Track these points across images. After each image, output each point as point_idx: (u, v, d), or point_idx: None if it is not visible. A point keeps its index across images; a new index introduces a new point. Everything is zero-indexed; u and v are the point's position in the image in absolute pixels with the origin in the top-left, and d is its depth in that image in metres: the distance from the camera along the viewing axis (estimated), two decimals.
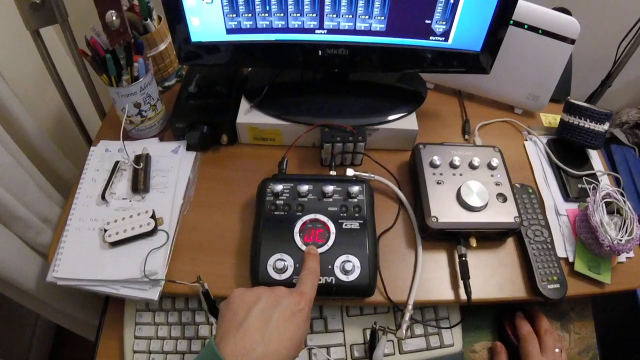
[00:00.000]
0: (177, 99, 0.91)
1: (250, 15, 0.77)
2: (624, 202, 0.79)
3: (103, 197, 0.81)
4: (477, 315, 0.84)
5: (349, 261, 0.70)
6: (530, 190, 0.86)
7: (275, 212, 0.74)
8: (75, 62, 0.94)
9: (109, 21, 0.80)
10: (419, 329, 0.80)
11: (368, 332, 0.78)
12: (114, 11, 0.79)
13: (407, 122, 0.87)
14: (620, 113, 1.55)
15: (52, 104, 0.97)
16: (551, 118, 1.01)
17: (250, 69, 0.97)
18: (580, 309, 0.86)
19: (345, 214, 0.74)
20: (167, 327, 0.79)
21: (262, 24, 0.78)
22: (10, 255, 0.84)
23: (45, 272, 0.88)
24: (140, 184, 0.81)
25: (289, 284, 0.68)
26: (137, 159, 0.84)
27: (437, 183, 0.80)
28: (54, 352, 1.57)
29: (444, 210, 0.77)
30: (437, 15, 0.76)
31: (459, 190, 0.79)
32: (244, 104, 0.89)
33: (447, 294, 0.76)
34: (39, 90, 0.94)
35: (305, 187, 0.75)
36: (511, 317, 0.82)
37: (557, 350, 0.76)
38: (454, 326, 0.79)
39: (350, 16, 0.76)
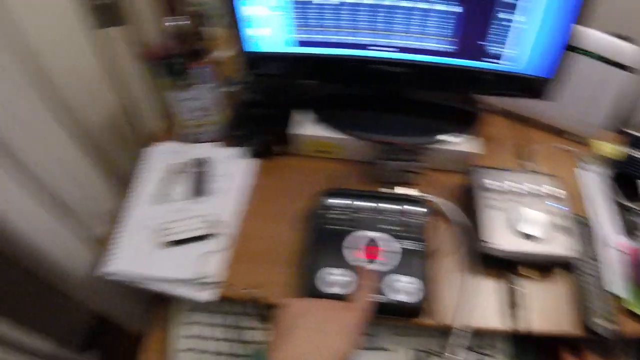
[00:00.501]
0: (237, 107, 0.92)
1: (320, 29, 0.78)
2: None
3: (161, 197, 0.82)
4: (520, 345, 0.82)
5: (400, 281, 0.70)
6: (584, 222, 0.84)
7: (330, 226, 0.75)
8: (138, 64, 0.96)
9: (177, 26, 0.82)
10: (463, 354, 0.79)
11: (413, 352, 0.78)
12: (178, 16, 0.82)
13: (464, 144, 0.86)
14: None
15: (115, 103, 1.00)
16: (608, 147, 0.99)
17: (311, 81, 0.98)
18: (627, 347, 0.83)
19: (399, 233, 0.74)
20: (215, 329, 0.81)
21: (331, 38, 0.79)
22: (64, 246, 0.87)
23: (96, 265, 0.91)
24: (200, 187, 0.83)
25: (339, 298, 0.68)
26: (198, 162, 0.86)
27: (492, 208, 0.79)
28: (95, 338, 1.61)
29: (498, 236, 0.76)
30: (500, 39, 0.75)
31: (513, 216, 0.77)
32: (305, 116, 0.90)
33: (495, 322, 0.74)
34: (103, 89, 0.96)
35: (361, 203, 0.75)
36: (555, 352, 0.81)
37: None
38: (502, 356, 0.78)
39: (416, 35, 0.76)
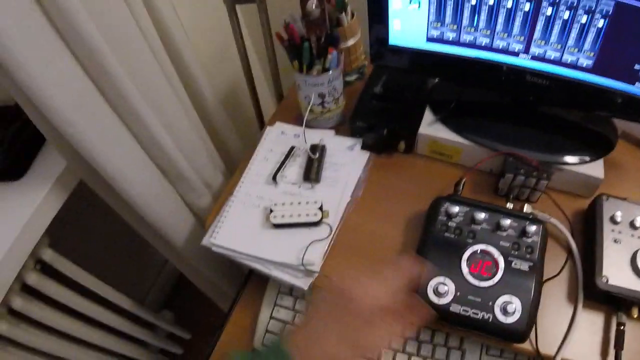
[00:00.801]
0: (360, 97, 0.92)
1: (455, 27, 0.76)
2: None
3: (274, 178, 0.83)
4: None
5: (511, 302, 0.67)
6: None
7: (446, 234, 0.73)
8: (264, 42, 0.97)
9: (310, 10, 0.82)
10: None
11: None
12: (315, 1, 0.81)
13: (593, 168, 0.82)
14: None
15: (233, 77, 1.02)
16: None
17: (436, 80, 0.96)
18: None
19: (516, 252, 0.71)
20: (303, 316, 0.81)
21: (465, 38, 0.77)
22: (170, 211, 0.89)
23: (197, 234, 0.94)
24: (312, 173, 0.83)
25: (445, 310, 0.67)
26: (313, 148, 0.86)
27: (614, 241, 0.75)
28: (171, 299, 1.67)
29: (615, 272, 0.72)
30: None
31: (635, 254, 0.73)
32: (428, 115, 0.88)
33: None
34: (223, 61, 0.99)
35: (481, 215, 0.73)
36: None
37: None
38: None
39: (559, 46, 0.73)
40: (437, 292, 0.68)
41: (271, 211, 0.78)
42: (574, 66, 0.75)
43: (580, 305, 0.74)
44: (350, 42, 0.96)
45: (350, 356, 0.54)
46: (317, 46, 0.83)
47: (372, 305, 0.57)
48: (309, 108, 0.87)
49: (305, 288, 0.74)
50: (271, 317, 0.82)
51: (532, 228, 0.72)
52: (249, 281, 0.89)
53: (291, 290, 0.83)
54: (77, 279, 0.90)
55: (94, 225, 1.10)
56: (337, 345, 0.54)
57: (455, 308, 0.67)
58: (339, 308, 0.57)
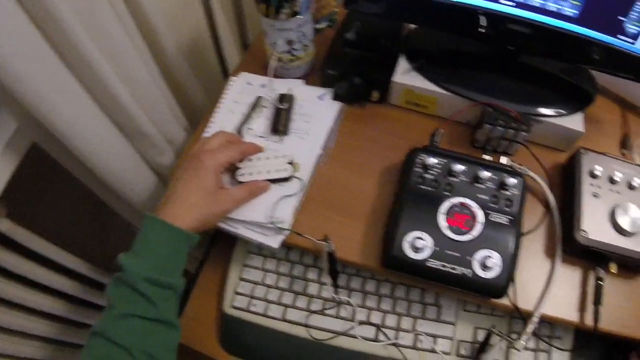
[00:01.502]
0: (332, 44, 0.86)
1: None
2: None
3: (239, 131, 0.78)
4: (589, 343, 0.77)
5: (490, 257, 0.65)
6: None
7: (422, 186, 0.69)
8: None
9: None
10: (530, 343, 0.74)
11: (480, 331, 0.74)
12: None
13: (573, 122, 0.79)
14: None
15: (195, 25, 0.95)
16: None
17: (413, 27, 0.91)
18: None
19: (495, 205, 0.68)
20: (276, 276, 0.78)
21: None
22: (129, 169, 0.84)
23: (159, 194, 0.88)
24: (280, 124, 0.78)
25: (422, 265, 0.65)
26: (281, 98, 0.80)
27: (593, 196, 0.73)
28: None
29: (594, 227, 0.70)
30: (632, 15, 0.68)
31: (614, 208, 0.71)
32: (403, 63, 0.83)
33: (573, 315, 0.70)
34: (184, 8, 0.91)
35: (459, 167, 0.69)
36: (620, 354, 0.76)
37: None
38: (568, 349, 0.74)
39: None
40: (414, 248, 0.65)
41: (237, 168, 0.73)
42: (558, 15, 0.72)
43: (558, 260, 0.73)
44: None
45: None
46: None
47: None
48: (278, 56, 0.81)
49: (276, 246, 0.70)
50: (240, 279, 0.78)
51: (512, 180, 0.70)
52: (215, 241, 0.85)
53: (260, 250, 0.79)
54: (36, 248, 0.84)
55: (52, 190, 1.03)
56: None
57: (433, 263, 0.65)
58: None
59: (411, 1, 0.76)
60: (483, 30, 0.75)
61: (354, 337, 0.72)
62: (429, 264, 0.65)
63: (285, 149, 0.76)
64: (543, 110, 0.79)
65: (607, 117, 0.90)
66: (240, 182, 0.72)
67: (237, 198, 0.68)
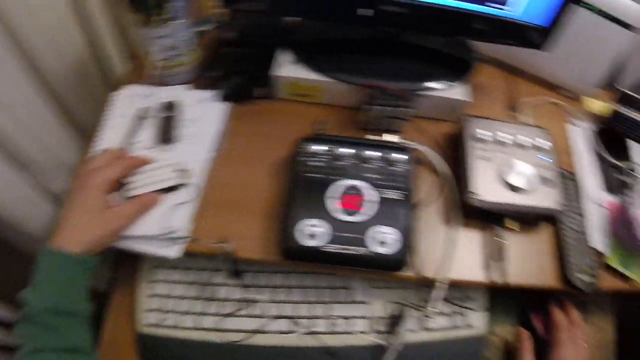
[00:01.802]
0: (213, 46, 0.86)
1: None
2: None
3: (126, 145, 0.76)
4: (502, 299, 0.81)
5: (385, 232, 0.66)
6: (571, 177, 0.82)
7: (312, 174, 0.70)
8: None
9: None
10: (444, 308, 0.77)
11: (392, 305, 0.76)
12: None
13: (456, 92, 0.82)
14: None
15: (76, 41, 0.92)
16: (598, 105, 0.97)
17: (293, 19, 0.92)
18: (600, 302, 0.84)
19: (385, 182, 0.70)
20: (184, 286, 0.77)
21: None
22: (20, 198, 0.80)
23: (55, 220, 0.85)
24: (167, 133, 0.76)
25: (320, 251, 0.66)
26: (165, 106, 0.79)
27: (481, 159, 0.76)
28: None
29: (486, 188, 0.73)
30: None
31: (502, 168, 0.75)
32: (285, 57, 0.84)
33: (479, 275, 0.73)
34: (63, 26, 0.88)
35: (345, 150, 0.71)
36: (536, 305, 0.80)
37: (585, 345, 0.74)
38: (481, 309, 0.77)
39: None
40: (310, 235, 0.66)
41: (126, 184, 0.71)
42: None
43: (457, 225, 0.75)
44: None
45: None
46: None
47: None
48: (159, 64, 0.80)
49: (176, 256, 0.69)
50: (149, 295, 0.77)
51: (400, 157, 0.72)
52: (121, 259, 0.82)
53: (165, 262, 0.77)
54: None
55: None
56: None
57: (331, 247, 0.66)
58: None
59: None
60: (359, 16, 0.76)
61: (269, 332, 0.73)
62: (327, 249, 0.65)
63: (175, 157, 0.74)
64: (427, 85, 0.81)
65: (493, 84, 0.95)
66: (128, 197, 0.70)
67: (127, 214, 0.67)
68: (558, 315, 0.77)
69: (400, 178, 0.71)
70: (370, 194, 0.69)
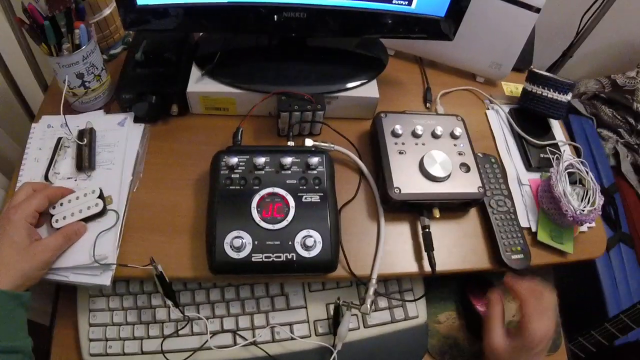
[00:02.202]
0: (123, 68, 0.84)
1: None
2: (587, 172, 0.80)
3: (47, 178, 0.75)
4: (440, 286, 0.83)
5: (310, 236, 0.67)
6: (493, 160, 0.85)
7: (231, 187, 0.70)
8: (13, 31, 0.87)
9: None
10: (383, 302, 0.78)
11: (331, 307, 0.76)
12: None
13: (368, 90, 0.84)
14: (579, 84, 1.56)
15: None
16: (513, 87, 1.00)
17: (201, 34, 0.92)
18: (543, 277, 0.85)
19: (304, 187, 0.71)
20: (123, 312, 0.75)
21: None
22: None
23: None
24: (85, 161, 0.75)
25: (248, 262, 0.66)
26: (81, 134, 0.78)
27: (400, 153, 0.78)
28: None
29: (407, 181, 0.75)
30: None
31: (421, 160, 0.77)
32: (195, 72, 0.84)
33: (411, 266, 0.74)
34: None
35: (261, 159, 0.71)
36: (474, 288, 0.82)
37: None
38: (418, 299, 0.79)
39: None
40: (234, 247, 0.66)
41: (52, 216, 0.70)
42: None
43: (382, 220, 0.77)
44: (107, 12, 0.88)
45: None
46: (66, 23, 0.75)
47: None
48: (67, 91, 0.79)
49: (108, 284, 0.68)
50: (90, 324, 0.75)
51: (315, 160, 0.72)
52: (60, 292, 0.81)
53: (101, 291, 0.77)
54: None
55: None
56: None
57: (257, 257, 0.66)
58: None
59: (188, 12, 0.76)
60: (261, 25, 0.77)
61: (211, 348, 0.72)
62: (253, 259, 0.66)
63: (95, 184, 0.73)
64: (338, 86, 0.83)
65: (408, 78, 0.97)
66: (58, 229, 0.70)
67: (52, 246, 0.66)
68: (520, 284, 0.71)
69: (319, 180, 0.72)
70: (292, 200, 0.69)
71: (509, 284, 0.71)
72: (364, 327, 0.77)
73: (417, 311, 0.79)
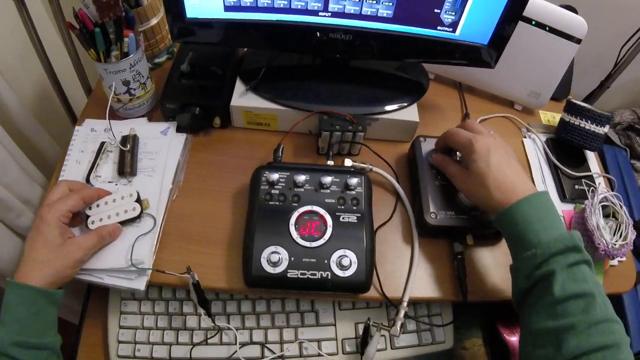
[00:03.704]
0: (168, 78, 0.86)
1: None
2: (620, 206, 0.79)
3: (87, 180, 0.77)
4: (468, 312, 0.82)
5: (345, 256, 0.67)
6: None
7: (270, 202, 0.71)
8: (61, 35, 0.89)
9: None
10: (411, 325, 0.78)
11: (360, 326, 0.76)
12: None
13: (408, 113, 0.84)
14: (614, 114, 1.55)
15: (36, 79, 0.92)
16: (550, 116, 1.00)
17: (246, 49, 0.93)
18: None
19: (342, 207, 0.71)
20: (154, 317, 0.76)
21: (263, 2, 0.74)
22: None
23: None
24: (127, 166, 0.77)
25: (283, 278, 0.66)
26: (124, 140, 0.80)
27: (437, 178, 0.78)
28: None
29: (443, 207, 0.75)
30: (446, 5, 0.73)
31: None
32: (239, 86, 0.85)
33: (442, 292, 0.74)
34: (22, 64, 0.89)
35: (302, 177, 0.72)
36: (502, 316, 0.81)
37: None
38: (446, 324, 0.78)
39: (357, 0, 0.73)
40: (271, 262, 0.66)
41: (88, 217, 0.71)
42: (374, 18, 0.76)
43: (417, 244, 0.77)
44: (154, 21, 0.90)
45: None
46: (115, 30, 0.77)
47: None
48: (113, 98, 0.81)
49: (142, 288, 0.69)
50: (120, 327, 0.76)
51: (354, 180, 0.73)
52: (91, 292, 0.82)
53: (133, 294, 0.78)
54: None
55: None
56: None
57: (293, 274, 0.67)
58: None
59: (236, 28, 0.78)
60: (308, 45, 0.78)
61: (239, 359, 0.73)
62: (289, 275, 0.66)
63: (134, 189, 0.75)
64: (378, 108, 0.83)
65: (447, 102, 0.97)
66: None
67: (85, 245, 0.67)
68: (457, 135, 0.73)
69: (357, 201, 0.72)
70: (329, 219, 0.70)
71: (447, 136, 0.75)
72: (391, 348, 0.76)
73: (445, 336, 0.78)
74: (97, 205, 0.72)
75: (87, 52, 0.78)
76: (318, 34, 0.77)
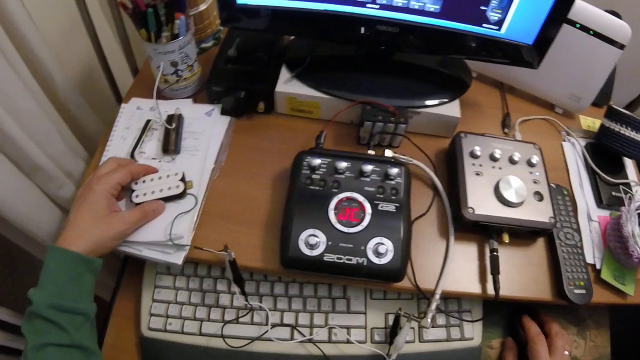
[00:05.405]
0: (214, 62, 0.88)
1: None
2: None
3: (132, 155, 0.79)
4: (496, 311, 0.82)
5: (382, 244, 0.68)
6: (565, 192, 0.84)
7: (311, 187, 0.72)
8: (112, 14, 0.91)
9: None
10: (440, 320, 0.78)
11: (390, 317, 0.77)
12: None
13: (450, 109, 0.84)
14: None
15: (83, 55, 0.94)
16: (590, 122, 0.99)
17: (292, 37, 0.95)
18: (597, 317, 0.84)
19: (381, 195, 0.72)
20: (187, 293, 0.78)
21: None
22: (29, 205, 0.81)
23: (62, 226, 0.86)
24: (171, 144, 0.79)
25: (319, 261, 0.67)
26: (170, 118, 0.82)
27: (476, 174, 0.78)
28: None
29: (480, 203, 0.75)
30: (493, 3, 0.73)
31: (497, 183, 0.77)
32: (284, 73, 0.86)
33: (474, 287, 0.74)
34: (71, 40, 0.91)
35: (343, 164, 0.73)
36: (518, 315, 0.81)
37: (566, 353, 0.74)
38: (476, 320, 0.78)
39: None
40: (308, 245, 0.67)
41: (133, 191, 0.73)
42: (421, 12, 0.76)
43: (452, 238, 0.77)
44: (202, 7, 0.92)
45: None
46: (166, 12, 0.79)
47: None
48: (161, 78, 0.83)
49: (179, 263, 0.71)
50: (153, 300, 0.78)
51: (394, 170, 0.73)
52: (126, 266, 0.84)
53: (169, 269, 0.79)
54: None
55: None
56: None
57: (329, 257, 0.67)
58: None
59: (284, 16, 0.79)
60: (354, 35, 0.79)
61: (270, 340, 0.74)
62: (325, 259, 0.67)
63: (177, 168, 0.77)
64: (421, 102, 0.84)
65: (487, 101, 0.97)
66: (137, 204, 0.73)
67: (129, 220, 0.69)
68: (531, 328, 0.77)
69: (396, 191, 0.73)
70: (368, 206, 0.71)
71: (524, 325, 0.78)
72: (419, 341, 0.77)
73: (473, 333, 0.78)
74: (143, 181, 0.74)
75: (139, 32, 0.80)
76: (365, 25, 0.78)
